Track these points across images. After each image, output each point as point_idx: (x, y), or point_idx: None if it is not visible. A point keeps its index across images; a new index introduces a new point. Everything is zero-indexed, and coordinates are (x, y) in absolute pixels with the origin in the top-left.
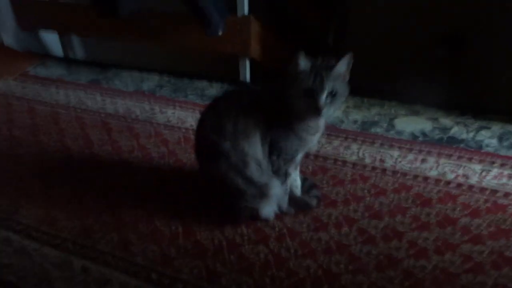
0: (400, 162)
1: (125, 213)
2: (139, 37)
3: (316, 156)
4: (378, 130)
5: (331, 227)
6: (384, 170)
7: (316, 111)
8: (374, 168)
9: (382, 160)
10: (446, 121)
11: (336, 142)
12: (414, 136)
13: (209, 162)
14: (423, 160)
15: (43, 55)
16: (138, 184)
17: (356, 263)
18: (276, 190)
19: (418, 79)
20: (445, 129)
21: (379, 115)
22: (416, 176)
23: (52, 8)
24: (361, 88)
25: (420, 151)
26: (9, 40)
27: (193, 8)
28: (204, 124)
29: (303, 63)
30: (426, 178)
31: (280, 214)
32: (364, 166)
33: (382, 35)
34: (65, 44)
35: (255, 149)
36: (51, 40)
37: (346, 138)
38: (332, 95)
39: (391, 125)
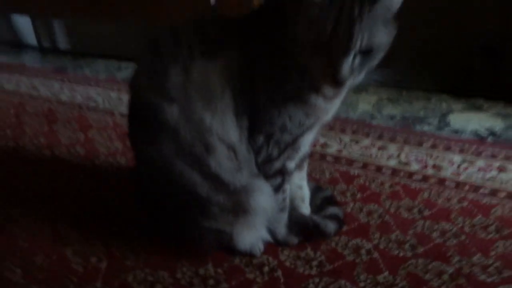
0: (466, 170)
1: (23, 234)
2: (120, 14)
3: (337, 158)
4: (426, 128)
5: (360, 271)
6: (442, 181)
7: (334, 79)
8: (426, 178)
9: (437, 167)
10: None
11: (365, 141)
12: (479, 136)
13: (145, 144)
14: (502, 168)
15: (14, 43)
16: (58, 191)
17: None
18: (264, 200)
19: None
20: None
21: (425, 109)
22: (495, 191)
23: None
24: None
25: (494, 156)
26: None
27: None
28: (138, 73)
29: None
30: (511, 194)
31: (274, 245)
32: (410, 174)
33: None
34: (38, 31)
35: (225, 123)
36: (24, 27)
37: (380, 137)
38: (366, 52)
39: (444, 122)
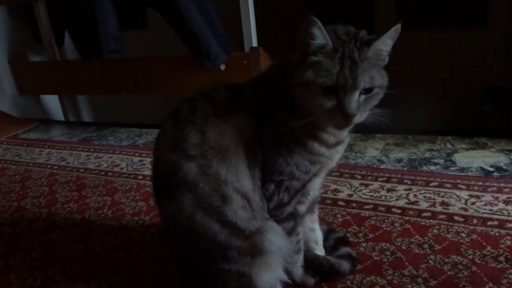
0: (473, 204)
1: None
2: (138, 89)
3: (348, 202)
4: (433, 168)
5: None
6: (450, 217)
7: (344, 118)
8: (434, 215)
9: (445, 204)
10: None
11: (374, 185)
12: (486, 172)
13: (168, 199)
14: (509, 201)
15: (42, 120)
16: (90, 250)
17: None
18: (277, 239)
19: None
20: None
21: (431, 151)
22: (503, 223)
23: (51, 68)
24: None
25: (500, 189)
26: (5, 105)
27: (188, 37)
28: (160, 139)
29: (321, 33)
30: None
31: (292, 286)
32: (419, 212)
33: None
34: (65, 107)
35: (239, 175)
36: (51, 104)
37: (388, 179)
38: (368, 91)
39: (450, 161)
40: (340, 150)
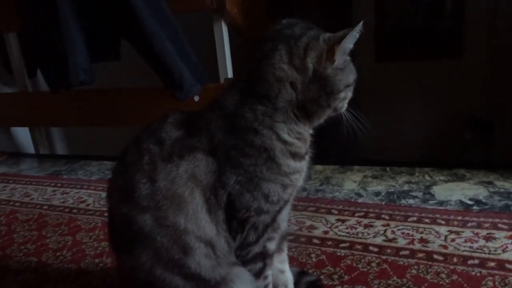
0: (453, 241)
1: None
2: (111, 121)
3: (323, 240)
4: (411, 201)
5: None
6: (429, 255)
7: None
8: (413, 253)
9: (424, 240)
10: (506, 184)
11: (351, 221)
12: (465, 206)
13: (124, 253)
14: (489, 237)
15: (12, 153)
16: None
17: None
18: None
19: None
20: (509, 194)
21: (409, 183)
22: (484, 261)
23: (21, 99)
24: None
25: (480, 225)
26: None
27: (160, 68)
28: (111, 187)
29: None
30: (501, 263)
31: None
32: (397, 251)
33: None
34: (36, 140)
35: (199, 223)
36: (22, 136)
37: (366, 214)
38: None
39: (428, 194)
40: (308, 159)
